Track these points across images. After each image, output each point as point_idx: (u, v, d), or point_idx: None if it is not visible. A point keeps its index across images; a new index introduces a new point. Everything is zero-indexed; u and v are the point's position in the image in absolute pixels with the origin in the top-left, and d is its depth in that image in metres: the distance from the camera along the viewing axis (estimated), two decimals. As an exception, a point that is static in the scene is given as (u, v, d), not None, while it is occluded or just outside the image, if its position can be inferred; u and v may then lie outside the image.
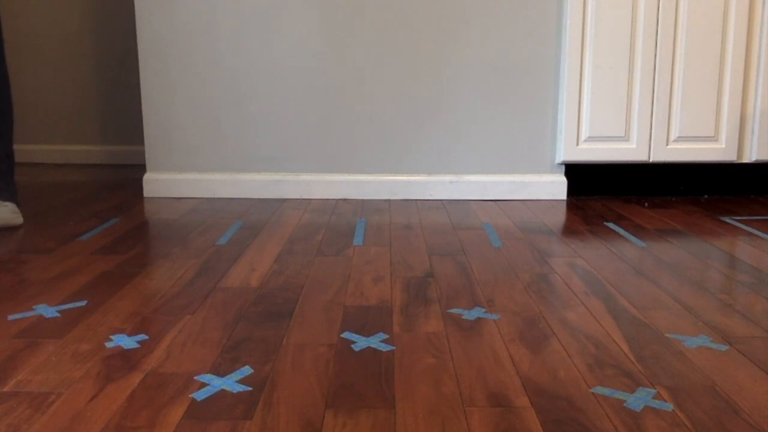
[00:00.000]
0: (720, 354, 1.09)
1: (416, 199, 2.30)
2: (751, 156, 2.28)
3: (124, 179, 2.66)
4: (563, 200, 2.30)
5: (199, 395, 0.94)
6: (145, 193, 2.32)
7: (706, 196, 2.36)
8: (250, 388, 0.97)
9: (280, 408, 0.91)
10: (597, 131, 2.23)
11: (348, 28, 2.24)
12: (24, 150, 3.11)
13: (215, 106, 2.27)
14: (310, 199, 2.29)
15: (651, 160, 2.26)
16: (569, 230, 1.89)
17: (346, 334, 1.16)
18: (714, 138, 2.26)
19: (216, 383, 0.98)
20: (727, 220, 2.01)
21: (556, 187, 2.30)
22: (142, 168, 2.65)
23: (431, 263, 1.58)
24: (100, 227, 1.89)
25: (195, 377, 1.00)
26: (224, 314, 1.25)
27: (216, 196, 2.30)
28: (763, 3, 2.19)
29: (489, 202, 2.27)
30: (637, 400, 0.94)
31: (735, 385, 0.98)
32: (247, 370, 1.02)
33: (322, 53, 2.25)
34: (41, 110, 3.08)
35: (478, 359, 1.06)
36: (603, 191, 2.35)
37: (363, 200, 2.29)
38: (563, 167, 2.32)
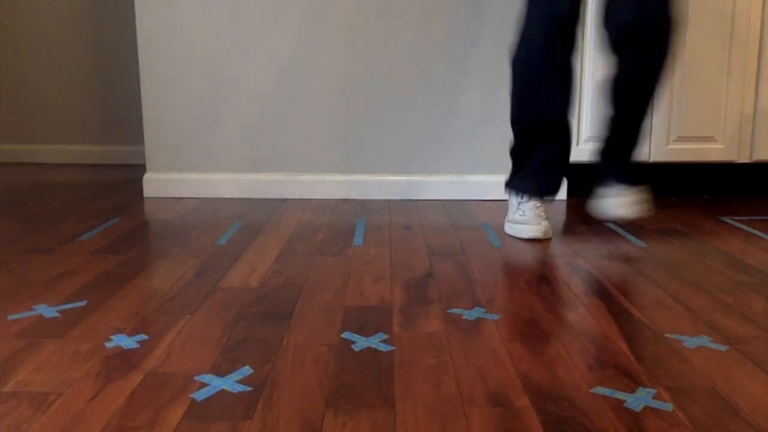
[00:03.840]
0: (720, 354, 1.09)
1: (416, 199, 2.30)
2: (751, 156, 2.28)
3: (124, 179, 2.66)
4: (563, 200, 2.29)
5: (199, 395, 0.94)
6: (145, 193, 2.32)
7: (706, 196, 2.36)
8: (250, 388, 0.97)
9: (280, 408, 0.91)
10: (597, 131, 2.23)
11: (348, 27, 2.24)
12: (24, 150, 3.11)
13: (215, 106, 2.27)
14: (310, 199, 2.29)
15: (651, 160, 2.26)
16: (569, 230, 1.89)
17: (346, 334, 1.16)
18: (714, 138, 2.26)
19: (216, 383, 0.98)
20: (727, 220, 2.01)
21: (556, 187, 2.30)
22: (142, 168, 2.64)
23: (431, 263, 1.58)
24: (100, 227, 1.89)
25: (195, 377, 1.00)
26: (224, 314, 1.25)
27: (216, 196, 2.30)
28: (764, 3, 2.19)
29: (489, 202, 2.27)
30: (637, 400, 0.94)
31: (735, 385, 0.98)
32: (247, 370, 1.02)
33: (322, 52, 2.25)
34: (41, 110, 3.08)
35: (478, 359, 1.06)
36: (603, 191, 2.35)
37: (363, 200, 2.29)
38: (563, 167, 2.31)
